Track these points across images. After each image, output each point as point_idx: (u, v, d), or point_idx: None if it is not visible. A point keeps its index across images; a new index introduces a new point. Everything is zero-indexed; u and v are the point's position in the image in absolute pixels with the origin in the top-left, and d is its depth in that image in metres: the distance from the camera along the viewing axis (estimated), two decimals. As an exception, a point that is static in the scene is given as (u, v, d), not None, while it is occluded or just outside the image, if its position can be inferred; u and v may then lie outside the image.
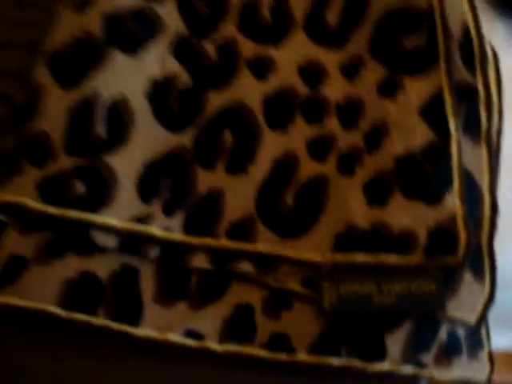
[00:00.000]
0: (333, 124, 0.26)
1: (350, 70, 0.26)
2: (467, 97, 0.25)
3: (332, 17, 0.28)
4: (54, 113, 0.24)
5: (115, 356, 0.22)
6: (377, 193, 0.23)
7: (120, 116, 0.25)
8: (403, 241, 0.22)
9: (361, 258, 0.22)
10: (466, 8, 0.26)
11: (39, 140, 0.24)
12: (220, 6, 0.28)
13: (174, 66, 0.27)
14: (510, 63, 0.29)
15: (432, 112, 0.24)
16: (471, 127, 0.24)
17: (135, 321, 0.22)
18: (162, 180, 0.25)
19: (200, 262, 0.24)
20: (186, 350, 0.22)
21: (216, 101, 0.26)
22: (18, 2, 0.30)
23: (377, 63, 0.26)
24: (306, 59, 0.27)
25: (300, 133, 0.25)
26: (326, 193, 0.24)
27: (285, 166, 0.25)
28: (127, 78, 0.26)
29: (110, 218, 0.23)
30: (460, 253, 0.22)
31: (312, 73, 0.27)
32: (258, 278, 0.23)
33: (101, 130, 0.24)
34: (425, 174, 0.23)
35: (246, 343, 0.23)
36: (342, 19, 0.27)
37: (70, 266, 0.23)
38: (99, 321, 0.22)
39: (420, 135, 0.24)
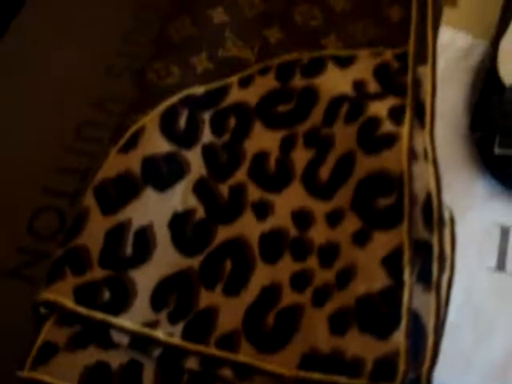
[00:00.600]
0: (313, 263, 0.32)
1: (334, 219, 0.33)
2: (423, 252, 0.31)
3: (324, 173, 0.35)
4: (94, 233, 0.32)
5: None
6: (338, 324, 0.29)
7: (145, 239, 0.32)
8: (354, 366, 0.28)
9: (318, 376, 0.28)
10: (431, 177, 0.33)
11: (80, 253, 0.31)
12: (237, 156, 0.36)
13: (193, 202, 0.34)
14: (488, 216, 0.36)
15: (392, 262, 0.30)
16: (424, 277, 0.30)
17: None
18: (171, 294, 0.31)
19: (192, 364, 0.30)
20: None
21: (223, 234, 0.33)
22: (77, 133, 0.39)
23: (355, 215, 0.33)
24: (300, 206, 0.34)
25: (286, 267, 0.32)
26: (299, 319, 0.30)
27: (270, 292, 0.31)
28: (155, 209, 0.33)
29: (126, 320, 0.30)
30: (398, 381, 0.27)
31: (302, 218, 0.34)
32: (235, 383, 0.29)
33: (128, 249, 0.32)
34: (379, 313, 0.29)
35: None
36: (332, 176, 0.34)
37: (91, 355, 0.30)
38: None
39: (380, 280, 0.30)
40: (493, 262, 0.35)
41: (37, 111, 0.39)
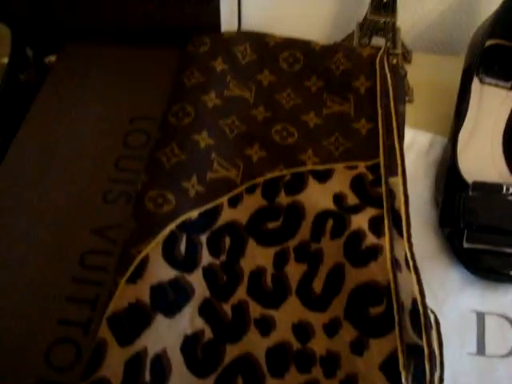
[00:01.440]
0: (318, 373, 0.36)
1: (331, 330, 0.37)
2: (415, 354, 0.35)
3: (317, 286, 0.39)
4: (114, 365, 0.35)
5: None
6: None
7: (161, 366, 0.35)
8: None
9: None
10: (414, 284, 0.38)
11: None
12: (235, 275, 0.40)
13: (200, 324, 0.38)
14: (464, 303, 0.41)
15: (389, 368, 0.34)
16: (418, 378, 0.34)
17: None
18: None
19: None
20: None
21: (231, 352, 0.37)
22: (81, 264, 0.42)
23: (350, 325, 0.37)
24: (298, 319, 0.38)
25: (293, 380, 0.36)
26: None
27: None
28: (167, 335, 0.36)
29: None
30: None
31: (302, 331, 0.37)
32: None
33: (147, 377, 0.35)
34: None
35: None
36: (324, 288, 0.38)
37: None
38: None
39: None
40: (473, 347, 0.40)
41: (39, 241, 0.42)
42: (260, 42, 0.51)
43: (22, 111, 0.50)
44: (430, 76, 0.55)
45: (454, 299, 0.42)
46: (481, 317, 0.42)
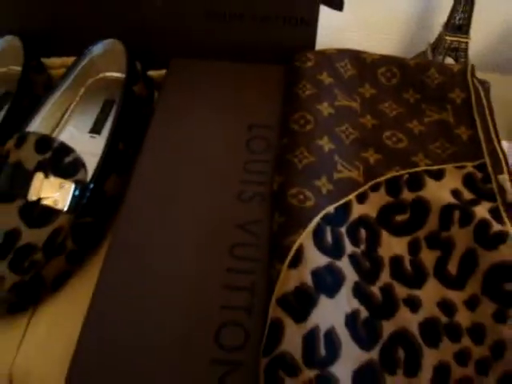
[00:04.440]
0: (467, 342, 0.42)
1: (471, 305, 0.43)
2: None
3: (452, 268, 0.45)
4: (293, 340, 0.40)
5: None
6: None
7: (332, 340, 0.41)
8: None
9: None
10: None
11: (287, 358, 0.39)
12: (377, 262, 0.46)
13: (355, 304, 0.43)
14: None
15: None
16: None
17: None
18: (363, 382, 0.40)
19: None
20: None
21: (388, 327, 0.42)
22: (231, 255, 0.47)
23: (488, 300, 0.43)
24: (441, 297, 0.44)
25: (447, 348, 0.41)
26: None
27: (442, 370, 0.40)
28: (332, 314, 0.42)
29: None
30: None
31: (447, 307, 0.43)
32: None
33: (322, 350, 0.40)
34: None
35: None
36: (460, 269, 0.45)
37: None
38: None
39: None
40: None
41: (191, 236, 0.47)
42: (358, 58, 0.58)
43: (140, 122, 0.56)
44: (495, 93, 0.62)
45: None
46: None
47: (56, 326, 0.48)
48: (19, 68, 0.61)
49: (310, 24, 0.57)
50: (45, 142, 0.50)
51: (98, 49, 0.58)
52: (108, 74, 0.62)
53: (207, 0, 0.56)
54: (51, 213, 0.49)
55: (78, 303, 0.46)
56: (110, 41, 0.58)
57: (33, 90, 0.60)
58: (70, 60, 0.62)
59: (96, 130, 0.58)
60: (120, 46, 0.58)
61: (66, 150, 0.50)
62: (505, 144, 0.57)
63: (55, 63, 0.64)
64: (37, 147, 0.50)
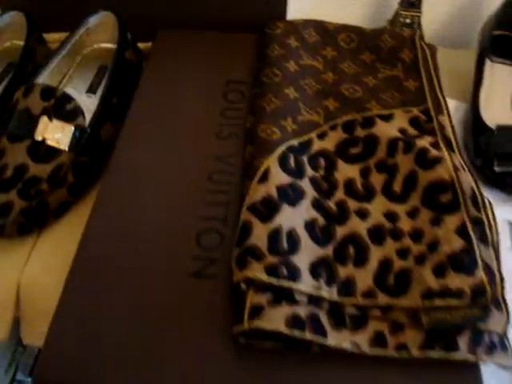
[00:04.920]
0: (408, 242, 0.50)
1: (412, 214, 0.52)
2: (478, 224, 0.50)
3: (397, 186, 0.54)
4: (259, 235, 0.48)
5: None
6: (440, 272, 0.46)
7: (293, 237, 0.49)
8: (458, 293, 0.45)
9: (438, 302, 0.45)
10: (471, 179, 0.53)
11: (254, 249, 0.48)
12: (333, 183, 0.54)
13: (314, 214, 0.52)
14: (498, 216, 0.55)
15: (462, 232, 0.49)
16: (483, 239, 0.49)
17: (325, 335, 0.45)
18: (321, 270, 0.48)
19: (350, 310, 0.46)
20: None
21: (341, 231, 0.51)
22: (210, 179, 0.56)
23: (426, 209, 0.52)
24: (387, 209, 0.53)
25: (390, 246, 0.50)
26: (410, 274, 0.47)
27: (386, 263, 0.49)
28: (293, 218, 0.50)
29: (302, 286, 0.46)
30: (488, 298, 0.45)
31: (391, 216, 0.52)
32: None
33: (285, 244, 0.49)
34: (463, 261, 0.47)
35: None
36: (403, 187, 0.53)
37: (286, 309, 0.44)
38: (307, 336, 0.44)
39: (458, 243, 0.48)
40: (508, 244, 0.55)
41: (177, 166, 0.56)
42: (321, 26, 0.68)
43: (131, 84, 0.65)
44: (445, 65, 0.71)
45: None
46: (512, 224, 0.57)
47: (58, 247, 0.56)
48: (21, 42, 0.70)
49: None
50: (49, 91, 0.59)
51: (93, 20, 0.68)
52: (103, 44, 0.71)
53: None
54: (55, 151, 0.57)
55: (78, 228, 0.55)
56: (104, 13, 0.67)
57: (35, 58, 0.69)
58: (66, 35, 0.71)
59: (92, 90, 0.67)
60: (113, 18, 0.67)
61: (67, 98, 0.59)
62: (450, 103, 0.67)
63: (54, 38, 0.73)
64: (42, 95, 0.59)
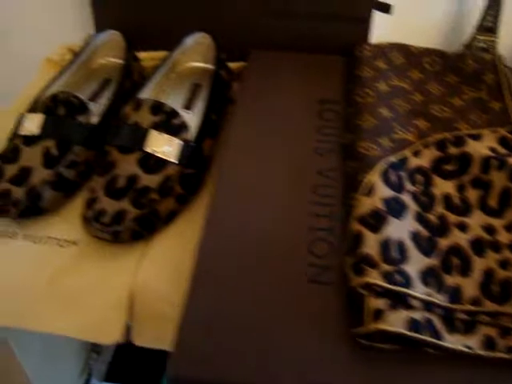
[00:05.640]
0: (508, 253, 0.55)
1: (509, 228, 0.56)
2: None
3: (492, 202, 0.58)
4: (372, 245, 0.53)
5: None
6: None
7: (402, 247, 0.53)
8: None
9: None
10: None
11: (368, 257, 0.52)
12: (432, 197, 0.59)
13: (416, 226, 0.56)
14: None
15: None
16: None
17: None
18: (430, 278, 0.52)
19: (460, 315, 0.51)
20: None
21: (444, 242, 0.55)
22: (314, 192, 0.61)
23: None
24: (485, 223, 0.57)
25: (491, 258, 0.54)
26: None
27: (489, 273, 0.53)
28: (399, 229, 0.55)
29: (415, 292, 0.50)
30: None
31: (490, 230, 0.56)
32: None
33: (395, 253, 0.53)
34: None
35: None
36: (498, 203, 0.58)
37: (404, 312, 0.48)
38: (427, 338, 0.48)
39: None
40: None
41: (281, 180, 0.61)
42: (406, 49, 0.73)
43: (225, 100, 0.71)
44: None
45: None
46: None
47: (168, 252, 0.60)
48: (115, 60, 0.75)
49: (366, 22, 0.72)
50: (158, 107, 0.64)
51: (189, 40, 0.73)
52: (195, 63, 0.77)
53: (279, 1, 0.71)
54: (163, 163, 0.62)
55: (185, 235, 0.60)
56: (200, 34, 0.72)
57: (132, 75, 0.75)
58: (156, 54, 0.76)
59: (188, 106, 0.72)
60: (208, 39, 0.73)
61: (174, 113, 0.64)
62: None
63: (145, 56, 0.78)
64: (151, 110, 0.64)
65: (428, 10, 0.79)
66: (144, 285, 0.58)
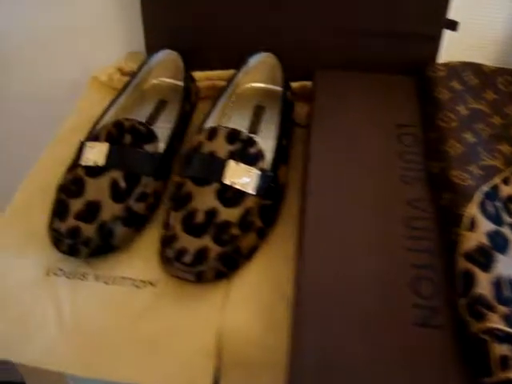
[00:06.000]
0: None
1: None
2: None
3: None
4: (484, 284, 0.51)
5: None
6: None
7: None
8: None
9: None
10: None
11: (482, 298, 0.50)
12: None
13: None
14: None
15: None
16: None
17: None
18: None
19: None
20: None
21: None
22: (407, 226, 0.58)
23: None
24: None
25: None
26: None
27: None
28: (508, 267, 0.53)
29: None
30: None
31: None
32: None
33: (508, 292, 0.51)
34: None
35: None
36: None
37: None
38: None
39: None
40: None
41: (369, 210, 0.58)
42: (478, 69, 0.71)
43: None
44: None
45: None
46: None
47: (253, 291, 0.57)
48: (168, 80, 0.72)
49: (436, 40, 0.69)
50: (234, 135, 0.61)
51: (253, 60, 0.70)
52: (255, 84, 0.74)
53: (346, 19, 0.68)
54: (242, 195, 0.59)
55: (268, 271, 0.57)
56: (265, 54, 0.69)
57: (190, 97, 0.71)
58: (211, 73, 0.73)
59: (254, 131, 0.69)
60: (273, 59, 0.70)
61: (251, 141, 0.61)
62: None
63: (200, 76, 0.75)
64: (227, 139, 0.61)
65: (487, 26, 0.77)
66: (232, 327, 0.55)
